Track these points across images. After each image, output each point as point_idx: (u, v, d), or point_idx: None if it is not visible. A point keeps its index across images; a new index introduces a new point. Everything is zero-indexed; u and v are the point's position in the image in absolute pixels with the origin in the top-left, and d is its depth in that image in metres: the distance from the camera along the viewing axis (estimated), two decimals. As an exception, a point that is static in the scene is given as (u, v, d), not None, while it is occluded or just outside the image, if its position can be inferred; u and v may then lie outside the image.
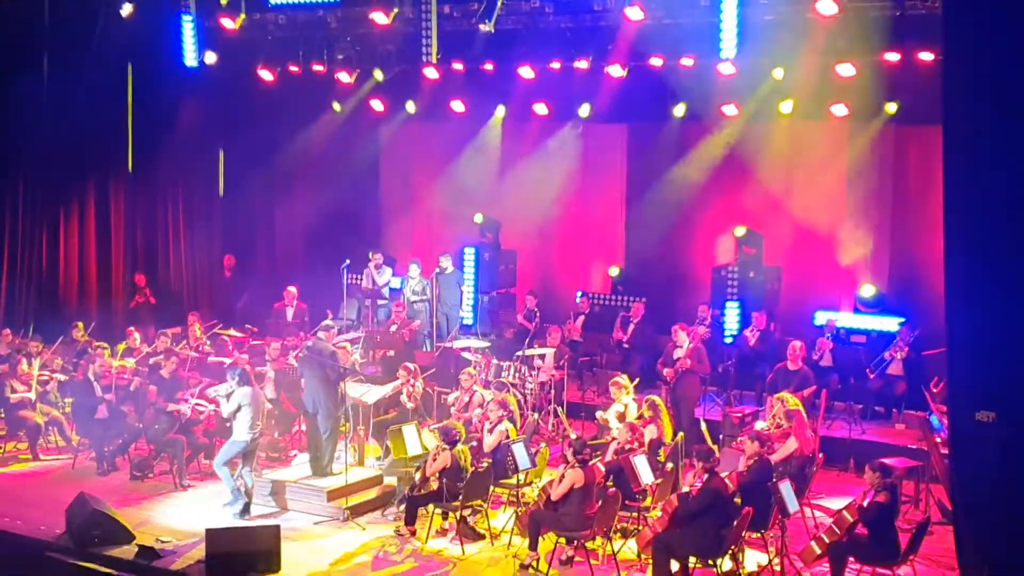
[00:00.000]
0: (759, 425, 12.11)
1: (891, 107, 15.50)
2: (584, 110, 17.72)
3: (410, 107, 18.76)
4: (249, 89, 18.68)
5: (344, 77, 18.14)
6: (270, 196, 20.48)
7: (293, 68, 18.16)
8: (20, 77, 16.82)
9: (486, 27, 16.04)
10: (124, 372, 14.03)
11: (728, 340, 16.41)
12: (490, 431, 12.03)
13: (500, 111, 18.73)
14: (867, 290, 16.25)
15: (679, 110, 16.99)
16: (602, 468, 10.95)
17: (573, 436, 12.09)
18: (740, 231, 17.13)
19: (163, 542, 10.96)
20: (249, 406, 11.87)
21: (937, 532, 11.03)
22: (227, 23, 17.67)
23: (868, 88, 15.04)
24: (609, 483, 10.79)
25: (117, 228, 18.67)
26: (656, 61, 15.83)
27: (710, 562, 9.95)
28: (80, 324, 16.19)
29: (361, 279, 18.62)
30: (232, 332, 16.27)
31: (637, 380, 13.58)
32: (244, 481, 11.93)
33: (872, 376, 14.66)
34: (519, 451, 11.44)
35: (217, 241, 19.77)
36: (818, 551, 9.86)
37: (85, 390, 13.60)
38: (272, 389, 14.06)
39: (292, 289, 17.73)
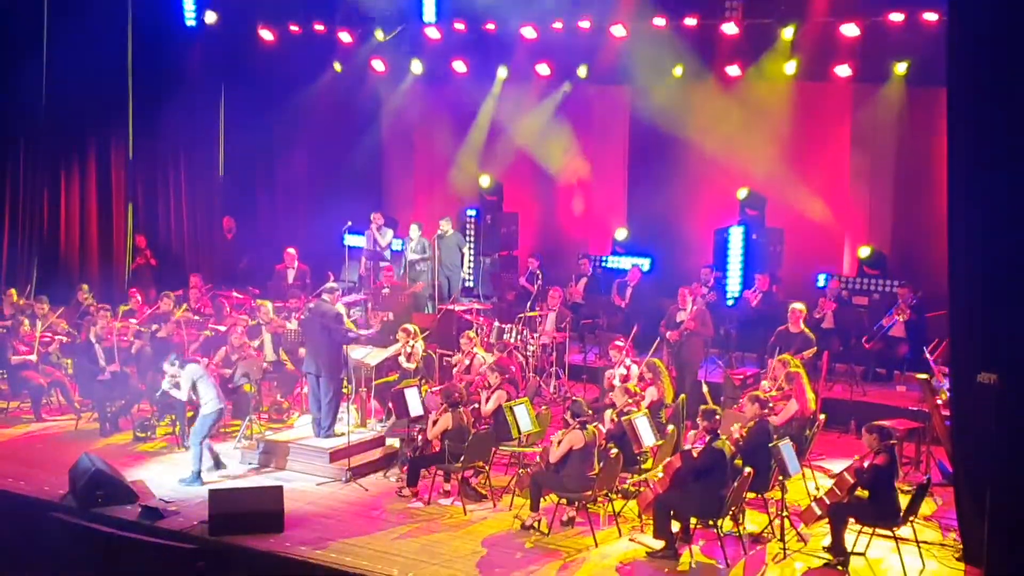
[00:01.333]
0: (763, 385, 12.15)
1: (900, 68, 15.31)
2: (582, 71, 17.47)
3: (415, 67, 18.52)
4: (250, 49, 18.54)
5: (345, 37, 17.99)
6: (271, 157, 20.38)
7: (294, 28, 18.02)
8: (20, 38, 16.70)
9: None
10: (126, 334, 14.03)
11: (730, 303, 16.40)
12: (487, 399, 12.03)
13: (502, 72, 18.47)
14: (864, 251, 16.22)
15: (682, 71, 16.86)
16: (603, 429, 10.98)
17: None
18: (743, 193, 17.06)
19: (166, 502, 11.01)
20: (203, 378, 11.74)
21: (937, 494, 11.08)
22: (227, -18, 17.54)
23: (872, 49, 14.95)
24: (611, 445, 10.82)
25: (118, 189, 18.59)
26: (659, 21, 15.70)
27: (710, 523, 10.01)
28: (85, 287, 16.17)
29: (363, 240, 18.56)
30: (234, 294, 16.26)
31: (632, 335, 13.54)
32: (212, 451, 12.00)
33: (868, 345, 14.64)
34: (521, 413, 11.46)
35: (218, 202, 19.70)
36: (818, 512, 9.91)
37: (87, 352, 13.62)
38: (271, 352, 14.07)
39: (292, 251, 17.64)
